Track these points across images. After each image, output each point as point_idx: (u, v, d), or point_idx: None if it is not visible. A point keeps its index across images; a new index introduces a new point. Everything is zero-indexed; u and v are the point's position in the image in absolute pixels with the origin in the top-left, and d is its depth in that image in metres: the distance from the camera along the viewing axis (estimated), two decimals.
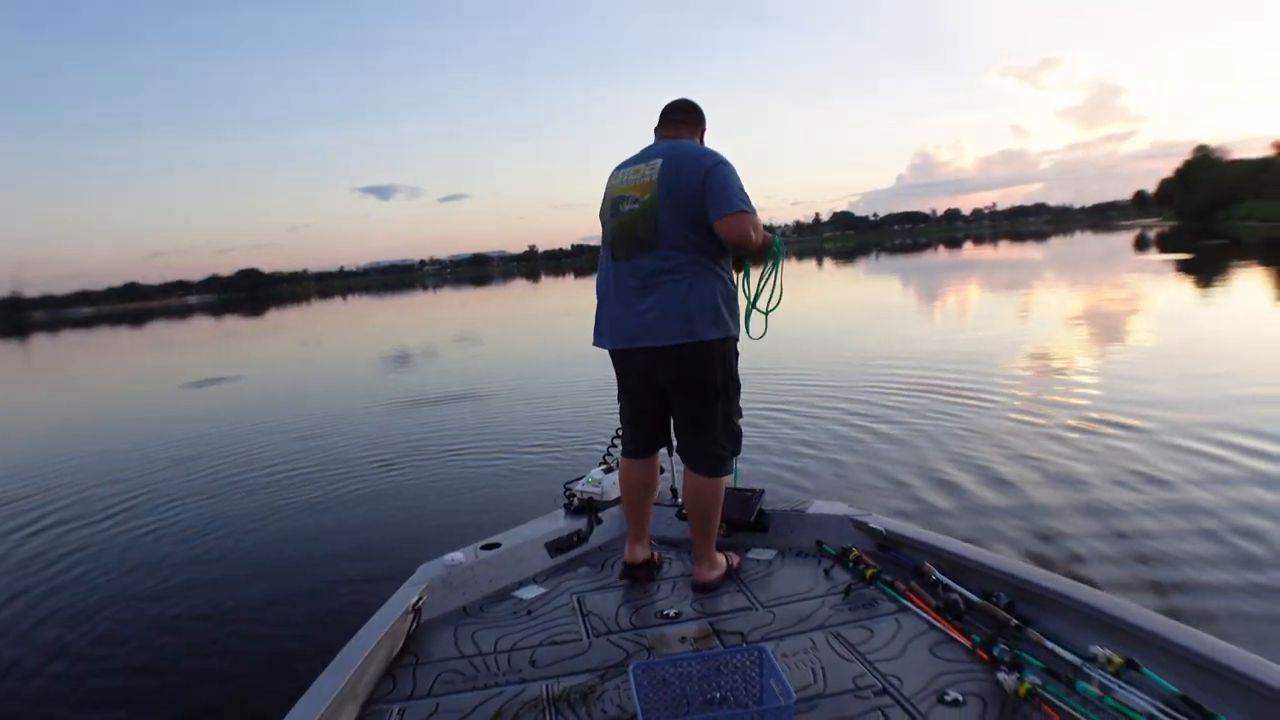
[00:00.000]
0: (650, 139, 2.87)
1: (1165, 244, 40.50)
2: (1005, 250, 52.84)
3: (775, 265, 2.88)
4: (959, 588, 2.42)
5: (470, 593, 2.87)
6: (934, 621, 2.32)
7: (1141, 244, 43.46)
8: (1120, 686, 1.83)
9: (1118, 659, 1.90)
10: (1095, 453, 5.30)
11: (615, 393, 2.98)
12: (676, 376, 2.64)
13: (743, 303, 2.83)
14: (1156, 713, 1.73)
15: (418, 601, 2.62)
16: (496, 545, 3.10)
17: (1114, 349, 9.78)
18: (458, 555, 2.95)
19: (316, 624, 3.72)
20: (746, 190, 2.61)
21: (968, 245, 73.31)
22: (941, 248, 71.21)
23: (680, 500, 3.19)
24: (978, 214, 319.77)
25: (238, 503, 6.02)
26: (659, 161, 2.61)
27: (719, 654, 1.99)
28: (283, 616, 3.92)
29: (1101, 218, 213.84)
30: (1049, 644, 2.06)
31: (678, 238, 2.55)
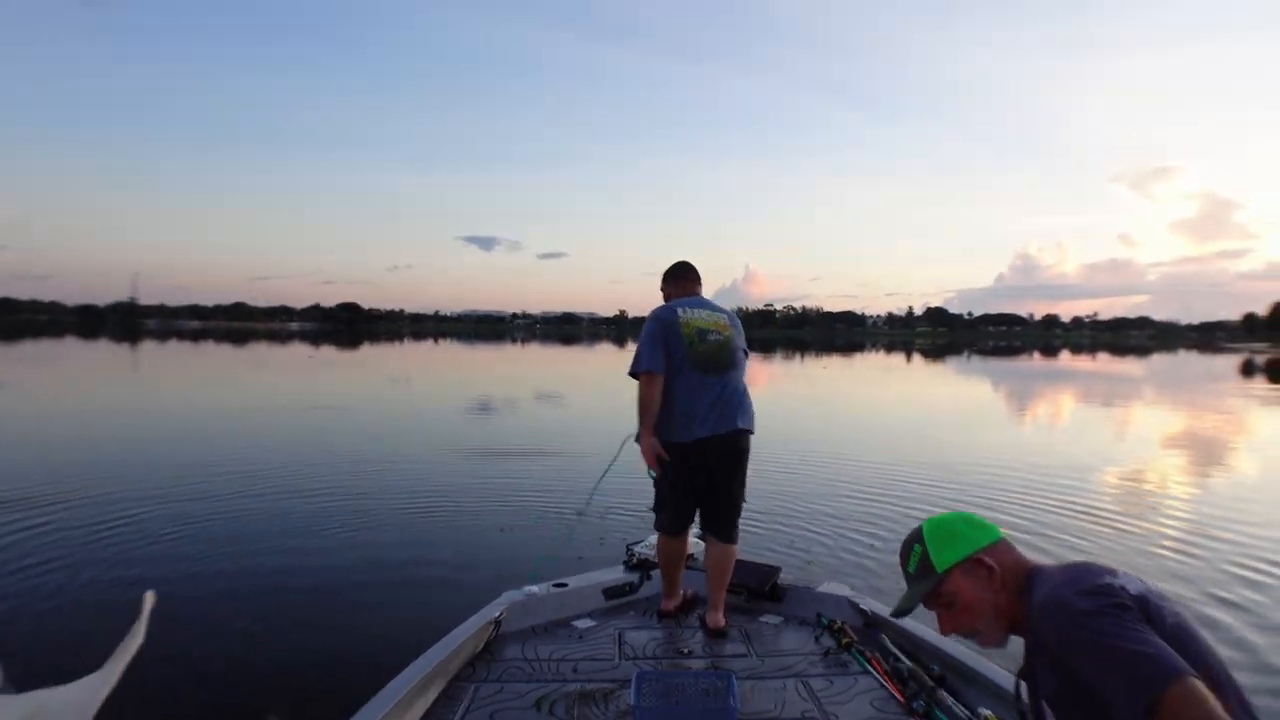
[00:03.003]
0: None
1: (1275, 373, 39.31)
2: (1104, 363, 51.72)
3: None
4: (904, 658, 3.10)
5: (539, 617, 3.68)
6: (883, 682, 3.01)
7: (1248, 370, 42.20)
8: None
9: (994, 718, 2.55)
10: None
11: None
12: (733, 455, 3.62)
13: None
14: None
15: (499, 616, 3.46)
16: (564, 585, 3.91)
17: (1207, 477, 9.92)
18: (534, 588, 3.78)
19: (406, 624, 4.51)
20: None
21: (1064, 354, 71.93)
22: (1037, 354, 70.03)
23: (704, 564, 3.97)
24: (1077, 322, 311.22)
25: (338, 520, 6.87)
26: (724, 315, 3.80)
27: (700, 675, 2.79)
28: (375, 616, 4.78)
29: (1208, 337, 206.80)
30: (950, 703, 2.71)
31: (739, 364, 3.75)
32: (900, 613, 1.68)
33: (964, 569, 1.55)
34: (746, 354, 3.84)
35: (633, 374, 3.69)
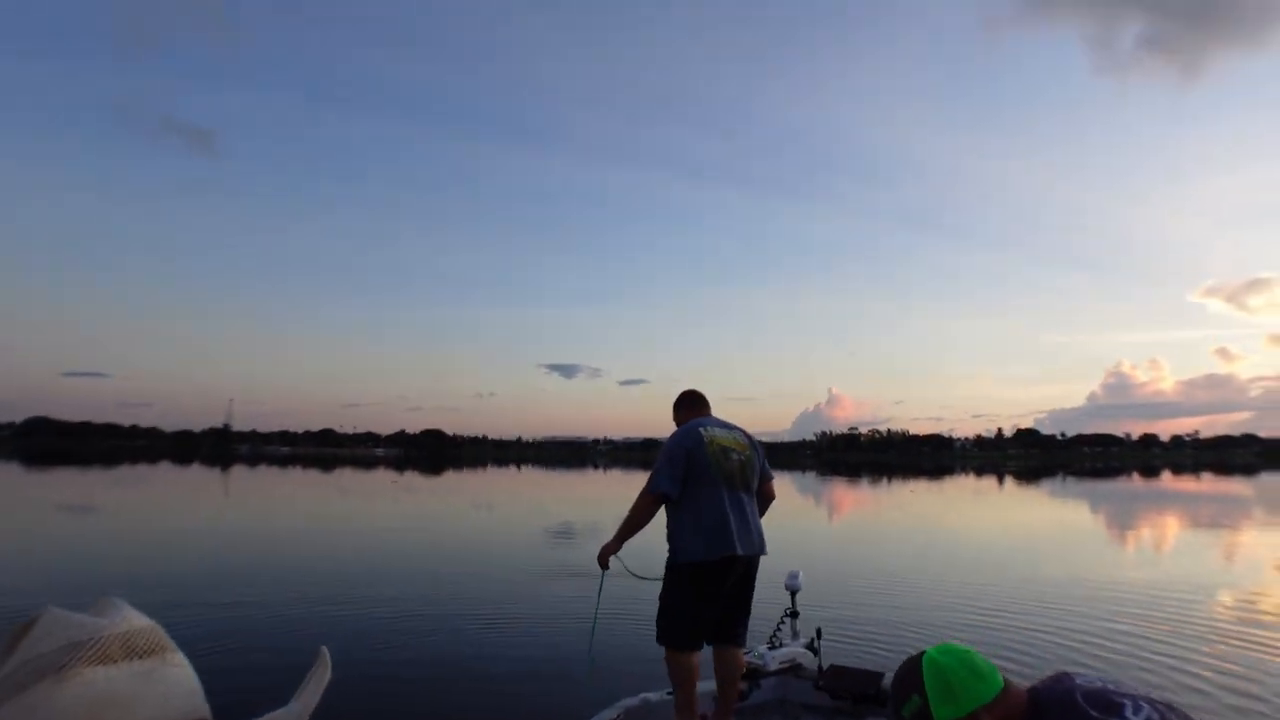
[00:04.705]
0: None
1: None
2: (1209, 484, 49.14)
3: None
4: None
5: None
6: None
7: None
8: None
9: None
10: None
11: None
12: (753, 575, 3.81)
13: None
14: None
15: (617, 718, 3.61)
16: None
17: None
18: (650, 695, 3.90)
19: None
20: None
21: (1166, 474, 68.75)
22: (1136, 475, 67.10)
23: (819, 673, 4.27)
24: (1178, 441, 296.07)
25: (453, 629, 7.05)
26: (741, 433, 3.94)
27: None
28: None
29: None
30: None
31: (755, 485, 3.87)
32: None
33: None
34: (768, 475, 3.99)
35: (649, 491, 3.72)
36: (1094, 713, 1.35)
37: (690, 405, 4.10)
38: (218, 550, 13.49)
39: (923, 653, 1.57)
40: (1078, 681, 1.46)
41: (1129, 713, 1.33)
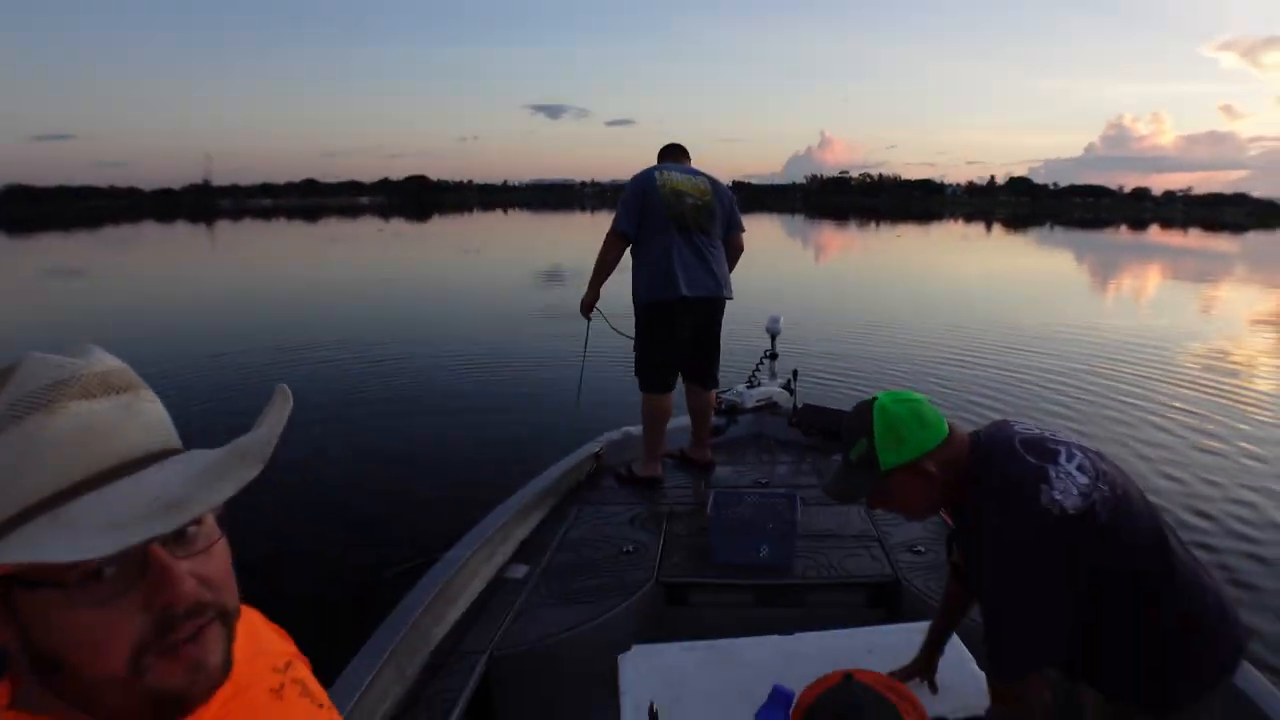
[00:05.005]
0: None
1: None
2: (1195, 239, 49.22)
3: None
4: None
5: (634, 453, 3.89)
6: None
7: None
8: None
9: None
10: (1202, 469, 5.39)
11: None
12: (714, 318, 3.79)
13: None
14: None
15: (599, 451, 3.81)
16: None
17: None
18: (630, 429, 4.01)
19: (518, 454, 5.13)
20: None
21: (1154, 228, 68.89)
22: (1124, 228, 67.22)
23: (793, 411, 4.41)
24: (1169, 196, 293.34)
25: (455, 376, 7.42)
26: (705, 180, 3.78)
27: (768, 493, 3.09)
28: (492, 444, 5.56)
29: None
30: None
31: (718, 231, 3.79)
32: (833, 496, 1.66)
33: (907, 470, 1.51)
34: (738, 225, 3.91)
35: (611, 231, 3.73)
36: (1031, 459, 1.43)
37: (667, 155, 4.00)
38: (198, 303, 13.67)
39: (875, 398, 1.60)
40: (1017, 429, 1.52)
41: (1063, 459, 1.41)
